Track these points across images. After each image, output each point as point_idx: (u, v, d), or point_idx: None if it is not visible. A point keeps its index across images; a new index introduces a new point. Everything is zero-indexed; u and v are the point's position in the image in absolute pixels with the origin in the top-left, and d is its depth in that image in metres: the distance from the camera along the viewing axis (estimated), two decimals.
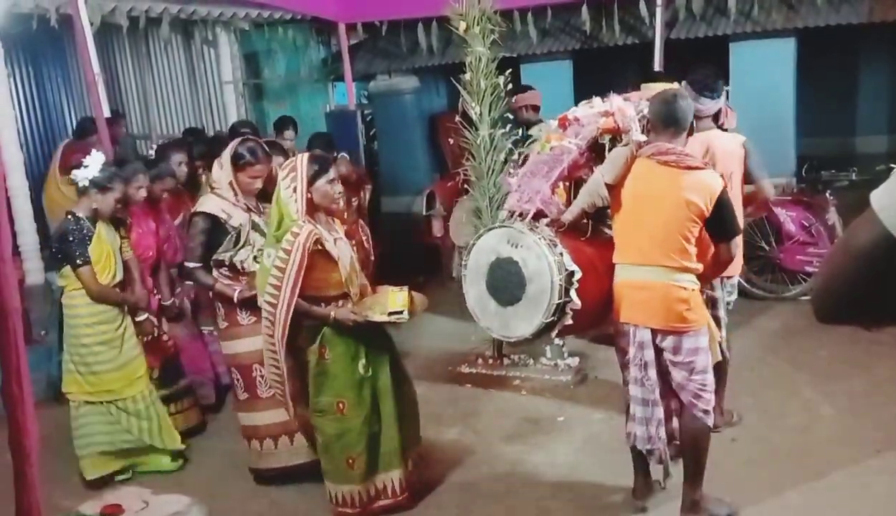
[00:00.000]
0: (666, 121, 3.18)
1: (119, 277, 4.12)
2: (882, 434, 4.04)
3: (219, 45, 8.37)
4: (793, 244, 5.99)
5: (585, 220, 3.48)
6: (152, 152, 4.94)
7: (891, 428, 4.09)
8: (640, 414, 3.28)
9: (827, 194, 6.08)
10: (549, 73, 8.17)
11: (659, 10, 6.76)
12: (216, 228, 3.83)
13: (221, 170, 3.90)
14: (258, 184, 3.90)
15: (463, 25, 4.86)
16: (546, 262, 3.21)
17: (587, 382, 5.06)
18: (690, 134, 3.30)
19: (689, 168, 3.12)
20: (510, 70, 5.00)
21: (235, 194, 3.87)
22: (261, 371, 3.81)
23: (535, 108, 5.63)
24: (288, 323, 3.32)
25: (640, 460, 3.47)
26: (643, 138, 3.30)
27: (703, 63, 4.12)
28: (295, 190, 3.35)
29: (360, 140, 8.28)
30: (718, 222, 3.13)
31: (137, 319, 4.23)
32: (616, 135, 3.46)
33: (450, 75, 5.47)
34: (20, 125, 8.31)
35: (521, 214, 3.42)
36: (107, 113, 5.17)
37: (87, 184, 3.97)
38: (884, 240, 1.12)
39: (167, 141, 5.43)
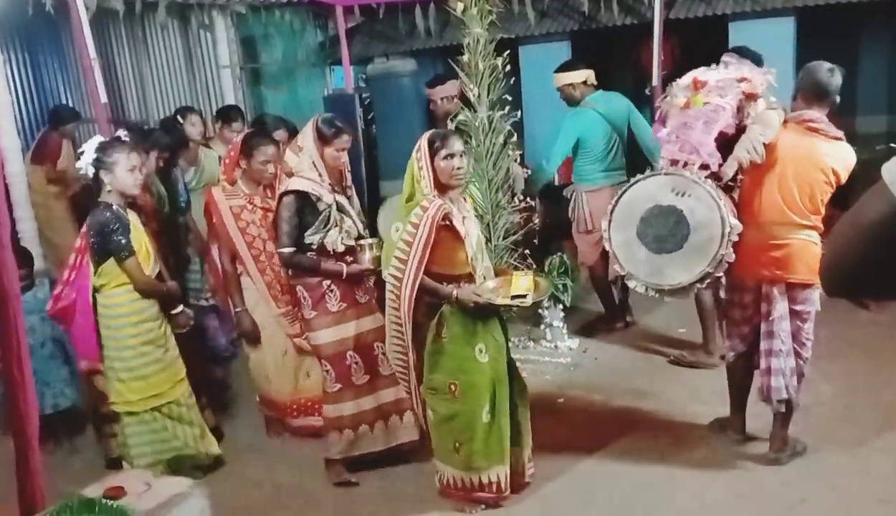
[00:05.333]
0: (821, 92, 3.43)
1: (157, 268, 3.88)
2: (881, 414, 4.05)
3: (215, 29, 8.32)
4: None
5: (739, 177, 3.56)
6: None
7: (890, 408, 4.10)
8: (776, 365, 3.51)
9: None
10: (548, 55, 8.10)
11: None
12: (306, 209, 3.67)
13: (301, 153, 3.73)
14: (345, 157, 3.78)
15: (461, 7, 4.84)
16: (718, 213, 3.32)
17: (588, 365, 5.07)
18: (833, 110, 3.48)
19: (835, 138, 3.42)
20: (508, 51, 4.98)
21: (320, 175, 3.70)
22: (356, 358, 3.76)
23: (455, 98, 5.48)
24: (413, 298, 3.27)
25: (738, 406, 3.81)
26: (779, 106, 3.56)
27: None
28: (423, 167, 3.33)
29: (359, 123, 8.24)
30: (848, 189, 3.39)
31: (173, 312, 3.96)
32: (751, 101, 3.57)
33: (448, 57, 5.44)
34: (17, 111, 8.28)
35: (685, 164, 3.43)
36: (104, 98, 5.11)
37: (92, 168, 3.68)
38: (894, 212, 1.12)
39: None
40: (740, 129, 3.50)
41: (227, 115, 5.93)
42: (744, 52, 4.04)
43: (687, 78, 3.63)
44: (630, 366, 4.99)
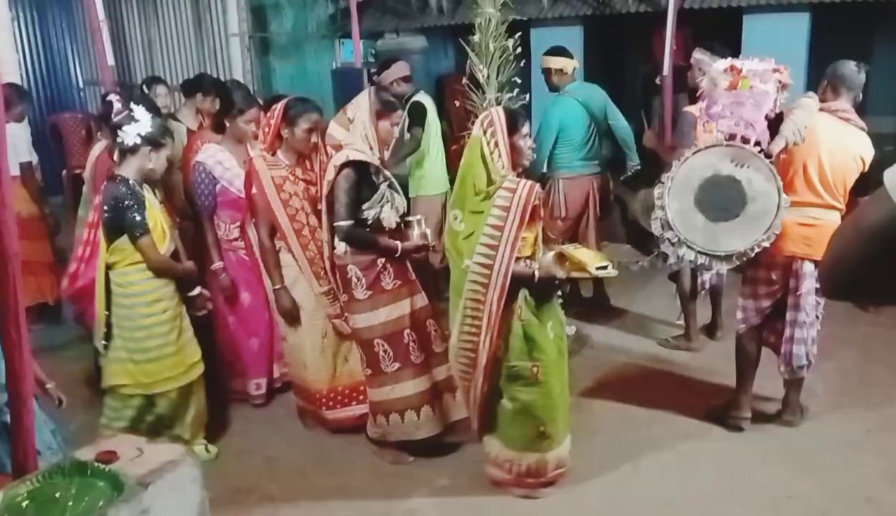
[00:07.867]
0: (848, 84, 3.69)
1: (172, 247, 3.71)
2: (874, 414, 4.06)
3: None
4: None
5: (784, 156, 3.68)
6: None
7: (883, 409, 4.12)
8: (800, 334, 3.77)
9: None
10: (560, 39, 8.03)
11: None
12: (362, 182, 3.56)
13: (351, 125, 3.62)
14: (397, 131, 3.76)
15: None
16: (775, 185, 3.43)
17: (584, 349, 5.07)
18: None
19: (862, 129, 3.69)
20: (520, 33, 4.94)
21: (371, 148, 3.61)
22: (412, 336, 3.68)
23: (406, 79, 5.50)
24: (506, 286, 3.16)
25: (746, 379, 3.97)
26: (814, 96, 3.75)
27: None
28: (496, 144, 3.23)
29: None
30: (867, 178, 3.69)
31: (191, 294, 3.80)
32: (784, 90, 3.68)
33: (458, 36, 5.40)
34: (23, 69, 8.24)
35: (743, 138, 3.51)
36: (111, 61, 5.07)
37: (138, 141, 3.52)
38: (895, 218, 1.11)
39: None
40: (777, 117, 3.59)
41: (194, 86, 5.46)
42: (715, 49, 4.26)
43: (723, 64, 3.69)
44: (626, 354, 5.00)
